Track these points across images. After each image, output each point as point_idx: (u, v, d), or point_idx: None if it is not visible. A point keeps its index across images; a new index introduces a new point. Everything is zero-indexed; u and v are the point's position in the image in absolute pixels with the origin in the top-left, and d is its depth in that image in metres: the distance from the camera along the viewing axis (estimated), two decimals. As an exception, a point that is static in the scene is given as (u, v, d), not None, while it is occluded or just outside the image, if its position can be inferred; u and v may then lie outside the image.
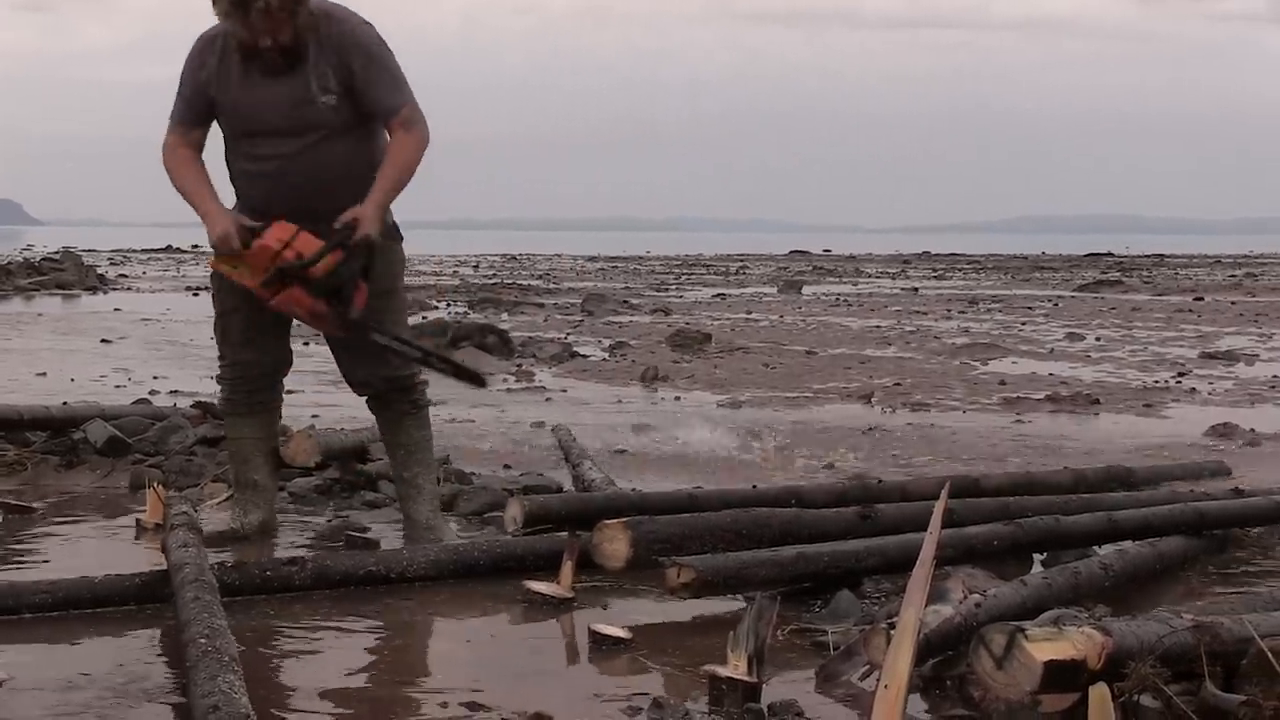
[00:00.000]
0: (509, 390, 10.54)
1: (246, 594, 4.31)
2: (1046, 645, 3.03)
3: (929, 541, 3.01)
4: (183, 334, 15.15)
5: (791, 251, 62.28)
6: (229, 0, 4.75)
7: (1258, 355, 13.93)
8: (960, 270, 42.16)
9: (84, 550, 5.14)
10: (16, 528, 5.47)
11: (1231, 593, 4.52)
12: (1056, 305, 23.00)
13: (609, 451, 7.42)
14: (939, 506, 3.16)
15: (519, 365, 12.32)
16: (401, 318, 5.32)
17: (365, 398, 5.34)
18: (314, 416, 7.98)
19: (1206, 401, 10.31)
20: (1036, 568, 4.79)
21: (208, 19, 4.94)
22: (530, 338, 14.21)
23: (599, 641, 3.95)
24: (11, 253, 40.60)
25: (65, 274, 26.73)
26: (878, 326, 17.69)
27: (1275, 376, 11.95)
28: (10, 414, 6.86)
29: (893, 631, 2.96)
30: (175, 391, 9.50)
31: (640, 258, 53.30)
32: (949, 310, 21.42)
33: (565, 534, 4.76)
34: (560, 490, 6.16)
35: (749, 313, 20.58)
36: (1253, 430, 8.49)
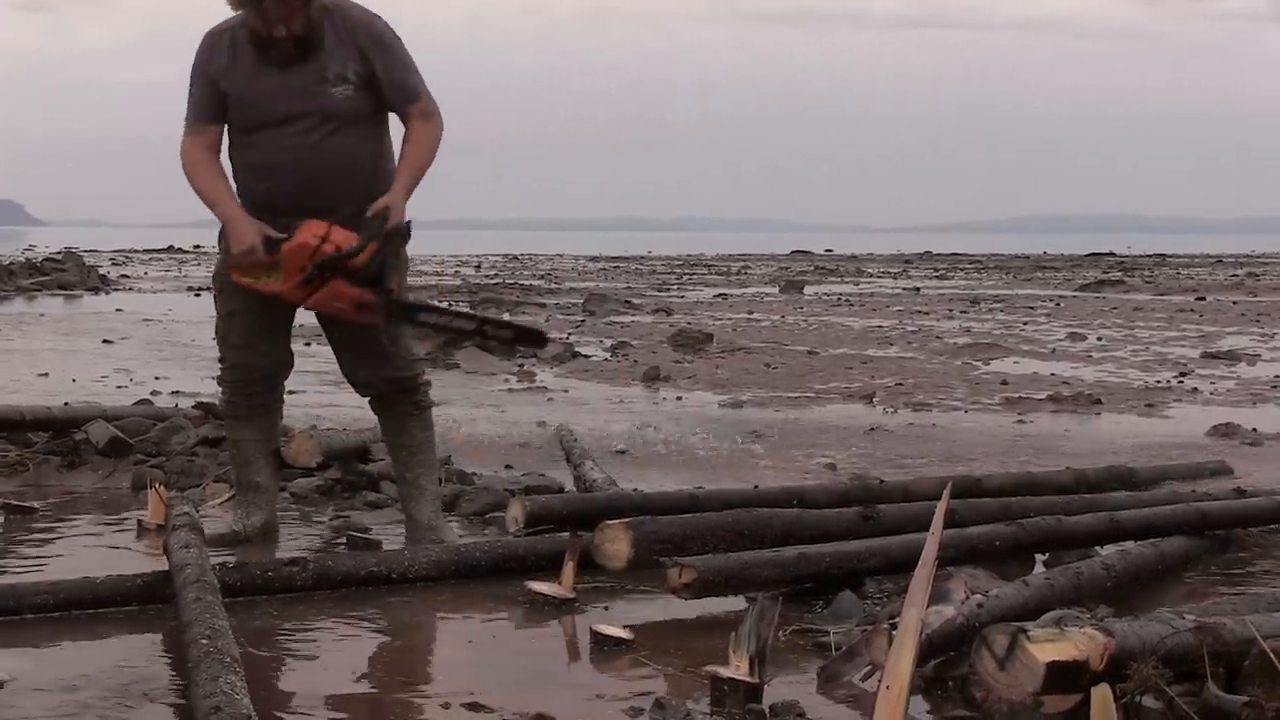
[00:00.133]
0: (510, 390, 10.54)
1: (248, 595, 4.31)
2: (1049, 646, 3.03)
3: (931, 542, 3.01)
4: (184, 334, 15.15)
5: (793, 251, 62.28)
6: None
7: (1259, 355, 13.92)
8: (962, 270, 42.15)
9: (85, 551, 5.14)
10: (18, 528, 5.47)
11: (1234, 593, 4.51)
12: (1058, 305, 22.99)
13: (610, 452, 7.42)
14: (941, 507, 3.15)
15: (520, 365, 12.31)
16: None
17: (368, 398, 5.34)
18: (316, 417, 7.98)
19: (1208, 401, 10.30)
20: (1039, 568, 4.79)
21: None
22: (532, 338, 14.18)
23: (601, 642, 3.95)
24: (14, 253, 40.61)
25: (67, 274, 26.73)
26: (879, 326, 17.68)
27: (1277, 376, 11.94)
28: (12, 414, 6.86)
29: (895, 632, 2.96)
30: (177, 392, 9.50)
31: (642, 258, 53.30)
32: (951, 310, 21.41)
33: (567, 534, 4.76)
34: (562, 490, 6.15)
35: (751, 313, 20.57)
36: (1255, 430, 8.49)
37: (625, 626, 4.03)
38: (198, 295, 23.41)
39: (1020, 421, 9.13)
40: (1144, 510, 5.18)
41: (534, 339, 5.48)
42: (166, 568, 4.22)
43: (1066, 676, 3.02)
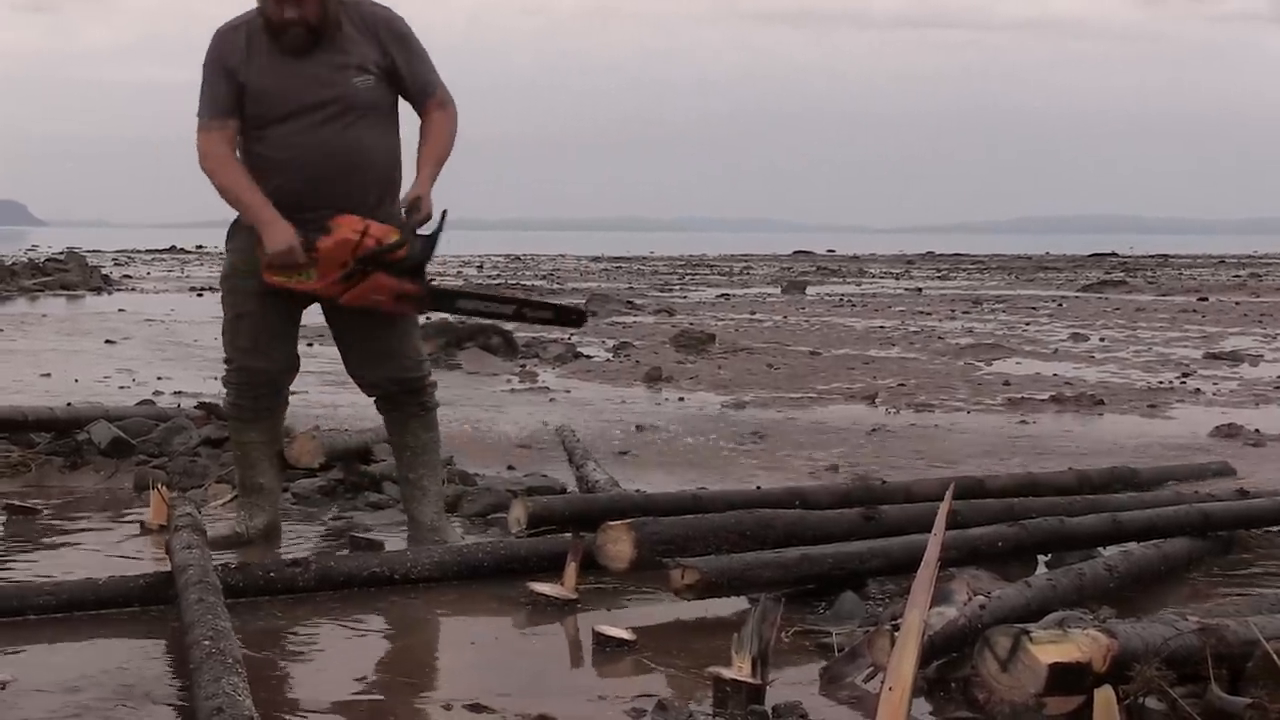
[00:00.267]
0: (513, 391, 10.53)
1: (250, 595, 4.31)
2: (1051, 647, 3.02)
3: (933, 543, 3.01)
4: (187, 335, 15.15)
5: (795, 252, 62.28)
6: None
7: (1262, 356, 13.90)
8: (964, 270, 42.15)
9: (88, 552, 5.14)
10: (21, 529, 5.47)
11: (1237, 594, 4.50)
12: (1061, 305, 22.98)
13: (612, 452, 7.42)
14: (943, 508, 3.15)
15: (523, 366, 12.31)
16: (413, 317, 5.32)
17: (374, 398, 5.33)
18: (317, 417, 7.98)
19: (1211, 402, 10.29)
20: (1041, 569, 4.78)
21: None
22: (534, 338, 14.20)
23: (603, 643, 3.95)
24: (16, 253, 40.63)
25: (70, 275, 26.74)
26: (881, 327, 17.68)
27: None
28: (15, 415, 6.87)
29: (897, 633, 2.96)
30: (179, 392, 9.49)
31: (644, 258, 53.31)
32: (953, 311, 21.40)
33: (569, 535, 4.76)
34: (564, 491, 6.15)
35: (753, 313, 20.57)
36: (1258, 431, 8.48)
37: (628, 628, 4.03)
38: (200, 295, 23.42)
39: (1022, 422, 9.12)
40: (1147, 511, 5.17)
41: (574, 317, 5.50)
42: (169, 568, 4.22)
43: (1069, 678, 3.02)
